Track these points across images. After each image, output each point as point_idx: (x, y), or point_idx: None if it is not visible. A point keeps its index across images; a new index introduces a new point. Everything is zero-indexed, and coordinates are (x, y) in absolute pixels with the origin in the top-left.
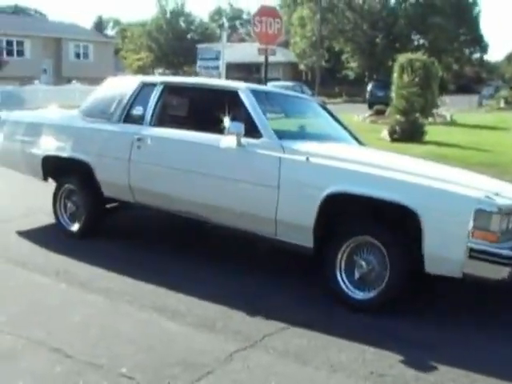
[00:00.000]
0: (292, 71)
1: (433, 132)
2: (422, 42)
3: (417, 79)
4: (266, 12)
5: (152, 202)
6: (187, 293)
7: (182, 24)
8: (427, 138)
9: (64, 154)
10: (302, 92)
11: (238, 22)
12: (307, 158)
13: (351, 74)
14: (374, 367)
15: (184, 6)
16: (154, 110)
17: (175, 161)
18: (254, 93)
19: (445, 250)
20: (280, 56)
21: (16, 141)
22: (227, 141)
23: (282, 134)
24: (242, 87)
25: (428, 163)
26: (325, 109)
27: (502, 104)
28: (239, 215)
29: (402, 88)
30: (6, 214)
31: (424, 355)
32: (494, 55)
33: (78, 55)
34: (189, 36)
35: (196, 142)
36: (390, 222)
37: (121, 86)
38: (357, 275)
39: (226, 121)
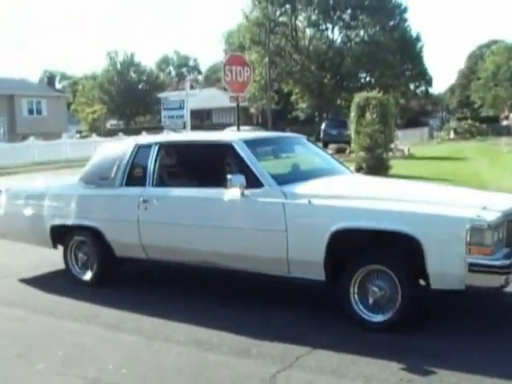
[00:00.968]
0: (243, 115)
1: (395, 166)
2: (368, 79)
3: (375, 116)
4: (234, 60)
5: (165, 256)
6: (215, 327)
7: (133, 74)
8: (392, 171)
9: (72, 222)
10: None
11: (184, 69)
12: (309, 201)
13: (301, 115)
14: (402, 375)
15: (134, 56)
16: (154, 170)
17: (183, 217)
18: (247, 143)
19: (447, 267)
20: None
21: (20, 214)
22: (230, 193)
23: (280, 180)
24: (235, 139)
25: (416, 184)
26: (310, 143)
27: (452, 135)
28: (251, 259)
29: (366, 126)
30: (13, 268)
31: (441, 363)
32: (436, 87)
33: (31, 111)
34: (140, 86)
35: (200, 197)
36: (393, 249)
37: (116, 150)
38: (370, 300)
39: (226, 174)
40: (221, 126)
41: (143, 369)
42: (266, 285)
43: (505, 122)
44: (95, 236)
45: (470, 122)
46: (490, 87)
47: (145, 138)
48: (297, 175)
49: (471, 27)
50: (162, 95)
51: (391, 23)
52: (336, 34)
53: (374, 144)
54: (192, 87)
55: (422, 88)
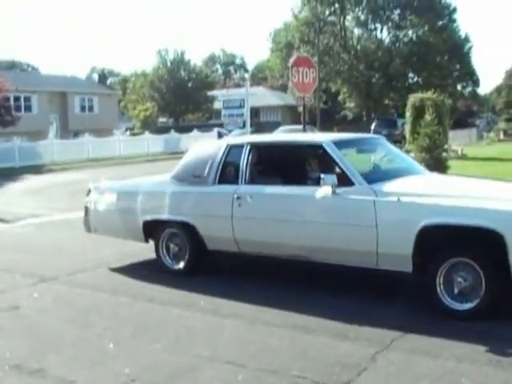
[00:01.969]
0: (291, 114)
1: (452, 166)
2: (416, 79)
3: (434, 117)
4: (301, 62)
5: (257, 250)
6: (310, 313)
7: (183, 72)
8: (450, 172)
9: (166, 218)
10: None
11: (231, 68)
12: (398, 199)
13: (349, 114)
14: (489, 357)
15: (184, 54)
16: (246, 169)
17: (277, 213)
18: (336, 144)
19: None
20: (278, 100)
21: (110, 210)
22: (323, 191)
23: (369, 179)
24: (325, 140)
25: (493, 182)
26: (388, 143)
27: (502, 136)
28: (341, 252)
29: (425, 127)
30: (103, 259)
31: None
32: (482, 87)
33: (83, 108)
34: (189, 84)
35: (293, 195)
36: (477, 243)
37: (208, 150)
38: (456, 290)
39: (316, 173)
40: (268, 125)
41: (252, 348)
42: (350, 277)
43: None
44: (188, 230)
45: None
46: None
47: (235, 139)
48: (382, 174)
49: None
50: (221, 94)
51: (440, 23)
52: (385, 34)
53: (433, 144)
54: (239, 85)
55: (469, 88)
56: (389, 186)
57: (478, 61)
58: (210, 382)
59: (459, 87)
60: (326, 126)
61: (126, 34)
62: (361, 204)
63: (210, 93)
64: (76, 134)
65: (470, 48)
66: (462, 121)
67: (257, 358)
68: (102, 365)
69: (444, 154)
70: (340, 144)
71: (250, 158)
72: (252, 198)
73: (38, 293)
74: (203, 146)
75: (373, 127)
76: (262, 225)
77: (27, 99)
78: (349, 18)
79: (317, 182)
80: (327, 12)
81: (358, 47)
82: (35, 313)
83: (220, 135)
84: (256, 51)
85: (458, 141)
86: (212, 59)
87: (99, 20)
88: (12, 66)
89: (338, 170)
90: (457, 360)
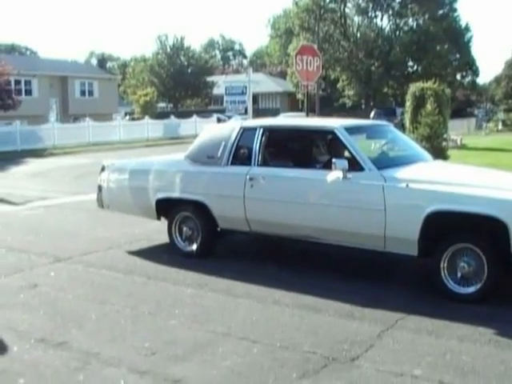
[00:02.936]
0: (289, 101)
1: (452, 156)
2: (415, 68)
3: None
4: (305, 50)
5: (267, 230)
6: (317, 294)
7: (182, 58)
8: (449, 161)
9: (178, 196)
10: None
11: (230, 53)
12: (407, 185)
13: (348, 102)
14: (489, 337)
15: (183, 40)
16: (259, 151)
17: (288, 195)
18: (347, 129)
19: None
20: (277, 86)
21: (126, 187)
22: (334, 175)
23: (379, 165)
24: (337, 126)
25: (496, 172)
26: (397, 130)
27: (500, 126)
28: (350, 235)
29: (426, 116)
30: (115, 240)
31: None
32: (481, 77)
33: (83, 92)
34: (189, 70)
35: (305, 178)
36: (481, 230)
37: (222, 132)
38: (459, 274)
39: (327, 157)
40: (268, 111)
41: (264, 325)
42: (358, 262)
43: None
44: (200, 210)
45: None
46: None
47: (249, 122)
48: (391, 160)
49: None
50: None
51: (440, 12)
52: (385, 22)
53: (434, 134)
54: (238, 71)
55: (469, 78)
56: (398, 172)
57: (477, 50)
58: (227, 355)
59: (458, 77)
60: (324, 114)
61: (125, 19)
62: (370, 189)
63: (209, 78)
64: (76, 119)
65: (471, 37)
66: (460, 110)
67: (269, 334)
68: (123, 339)
69: (444, 144)
70: (351, 130)
71: (262, 140)
72: (264, 180)
73: (55, 272)
74: (217, 128)
75: (372, 115)
76: (272, 205)
77: (28, 83)
78: (349, 5)
79: (328, 166)
80: None
81: (358, 35)
82: (54, 290)
83: (219, 121)
84: (255, 37)
85: (456, 130)
86: (211, 45)
87: (96, 4)
88: (11, 49)
89: (348, 155)
90: (458, 340)
